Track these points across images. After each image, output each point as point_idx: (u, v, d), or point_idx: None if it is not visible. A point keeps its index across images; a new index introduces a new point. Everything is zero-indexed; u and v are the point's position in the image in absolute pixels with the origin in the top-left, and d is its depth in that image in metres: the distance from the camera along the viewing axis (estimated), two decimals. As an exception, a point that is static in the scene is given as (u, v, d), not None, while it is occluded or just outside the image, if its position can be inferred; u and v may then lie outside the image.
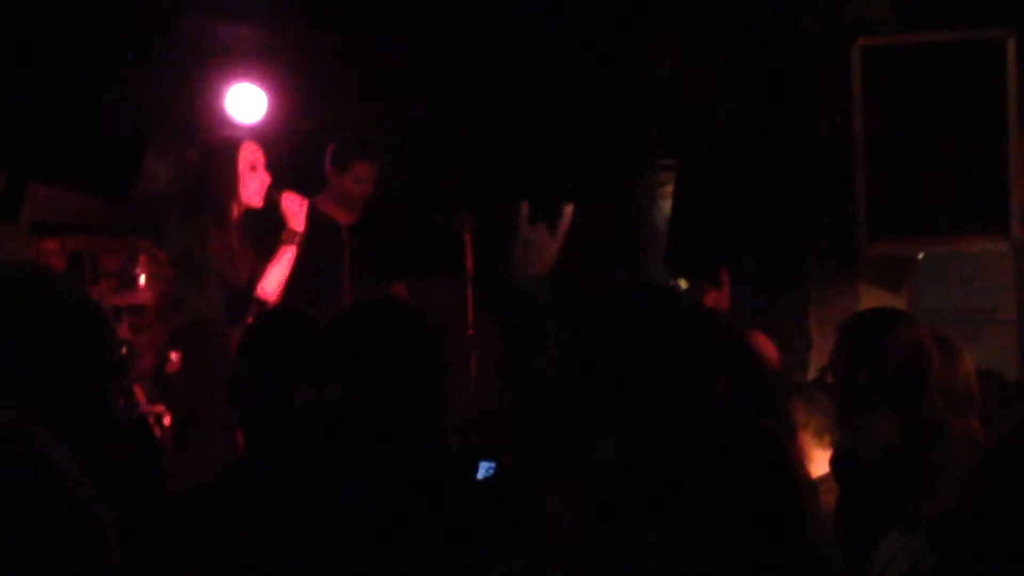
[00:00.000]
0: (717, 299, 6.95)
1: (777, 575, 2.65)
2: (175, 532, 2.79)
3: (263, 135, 8.15)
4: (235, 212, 6.80)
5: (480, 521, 2.52)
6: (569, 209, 3.82)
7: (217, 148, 6.91)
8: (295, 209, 6.95)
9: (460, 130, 8.55)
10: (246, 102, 8.16)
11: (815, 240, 8.18)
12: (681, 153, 8.36)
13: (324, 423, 2.01)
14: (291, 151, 8.15)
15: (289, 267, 6.95)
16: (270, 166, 7.01)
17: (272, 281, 6.90)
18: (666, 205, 8.47)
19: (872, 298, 8.03)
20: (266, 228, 6.94)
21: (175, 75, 8.03)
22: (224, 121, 8.14)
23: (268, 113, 8.16)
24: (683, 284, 7.11)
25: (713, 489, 2.51)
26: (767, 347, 5.40)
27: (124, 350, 7.90)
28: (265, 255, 6.90)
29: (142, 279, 8.54)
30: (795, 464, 2.80)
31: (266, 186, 6.87)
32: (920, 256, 8.40)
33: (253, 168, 6.86)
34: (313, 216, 7.43)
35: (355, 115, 8.25)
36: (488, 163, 8.51)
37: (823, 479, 5.08)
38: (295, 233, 6.94)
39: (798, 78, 8.18)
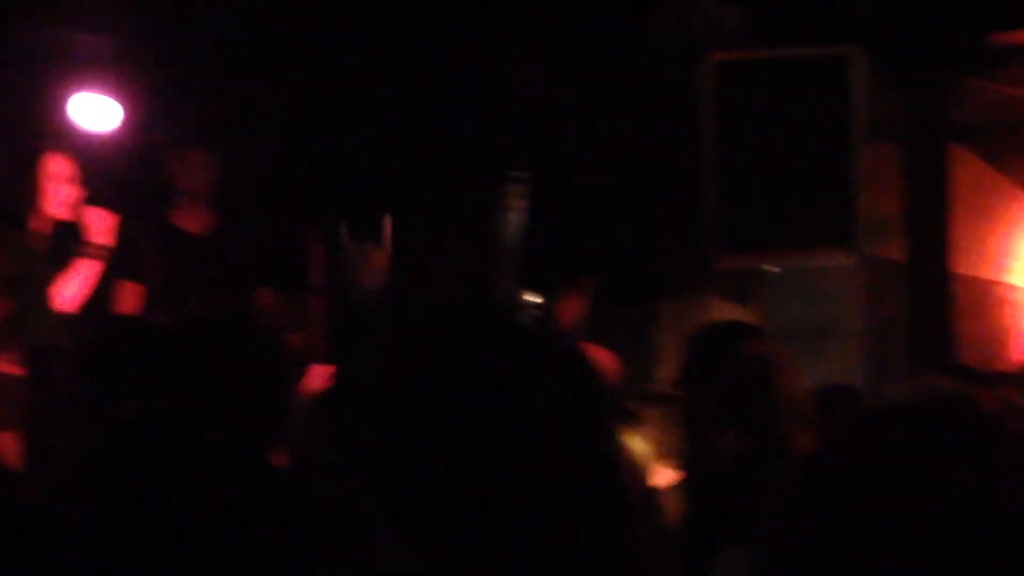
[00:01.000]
0: (574, 311, 6.96)
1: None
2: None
3: (109, 145, 8.06)
4: (33, 223, 6.70)
5: (306, 539, 2.49)
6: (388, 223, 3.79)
7: (21, 158, 6.84)
8: (98, 223, 6.87)
9: (311, 141, 8.48)
10: (92, 110, 8.06)
11: (667, 253, 8.23)
12: (533, 165, 8.36)
13: (140, 437, 1.98)
14: (140, 162, 8.06)
15: (91, 282, 6.87)
16: (105, 177, 6.93)
17: (65, 292, 6.80)
18: (518, 217, 8.46)
19: (722, 311, 8.09)
20: (66, 239, 6.87)
21: (17, 81, 7.91)
22: (70, 129, 8.03)
23: (117, 123, 8.06)
24: (535, 297, 7.11)
25: (531, 508, 2.48)
26: (606, 360, 5.41)
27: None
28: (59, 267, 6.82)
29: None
30: (622, 478, 2.78)
31: (74, 199, 6.78)
32: (771, 270, 8.48)
33: (55, 179, 6.77)
34: (167, 230, 7.37)
35: (204, 125, 8.17)
36: (339, 175, 8.46)
37: (671, 490, 5.11)
38: (93, 246, 6.86)
39: (651, 91, 8.22)
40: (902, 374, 8.93)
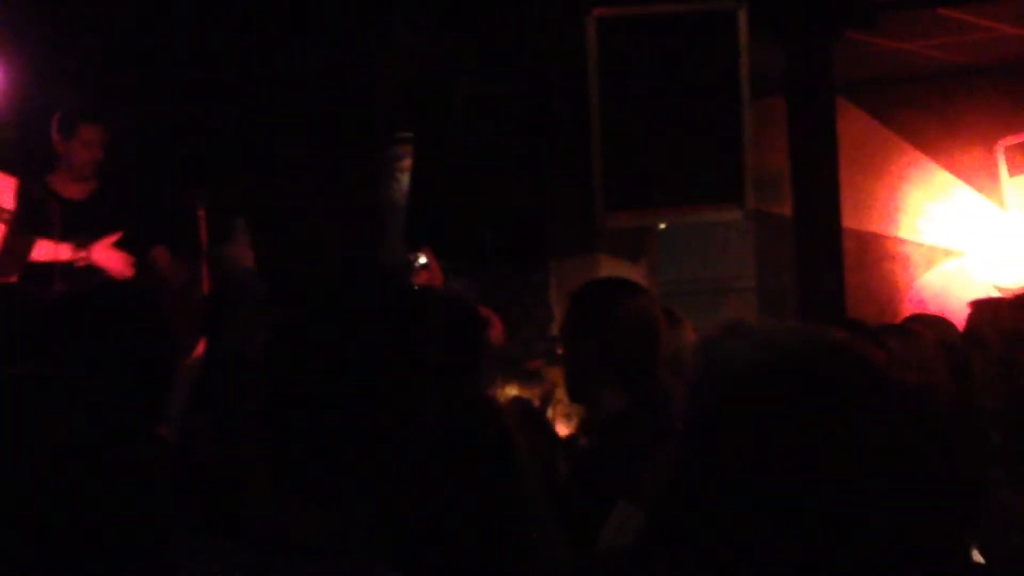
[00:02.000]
0: (428, 277, 6.93)
1: (492, 548, 2.63)
2: None
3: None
4: None
5: (189, 506, 2.45)
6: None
7: None
8: (1, 187, 6.80)
9: (197, 102, 8.38)
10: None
11: (554, 213, 8.21)
12: (418, 127, 8.31)
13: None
14: (16, 128, 7.93)
15: None
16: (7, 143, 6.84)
17: None
18: (404, 179, 8.42)
19: (612, 269, 8.10)
20: None
21: None
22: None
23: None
24: (423, 259, 7.06)
25: (423, 465, 2.47)
26: (493, 322, 5.39)
27: None
28: None
29: None
30: (511, 441, 2.78)
31: None
32: (660, 227, 8.49)
33: None
34: (43, 194, 7.25)
35: (84, 91, 8.05)
36: (225, 137, 8.37)
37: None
38: (2, 210, 6.79)
39: (534, 50, 8.18)
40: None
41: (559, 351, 4.85)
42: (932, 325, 5.83)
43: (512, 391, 5.80)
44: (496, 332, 5.24)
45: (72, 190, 7.54)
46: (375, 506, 2.29)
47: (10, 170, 6.94)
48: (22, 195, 7.03)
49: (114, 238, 7.23)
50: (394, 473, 2.30)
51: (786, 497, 1.67)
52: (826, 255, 8.78)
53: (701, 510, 1.75)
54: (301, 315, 2.33)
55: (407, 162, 8.43)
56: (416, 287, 3.90)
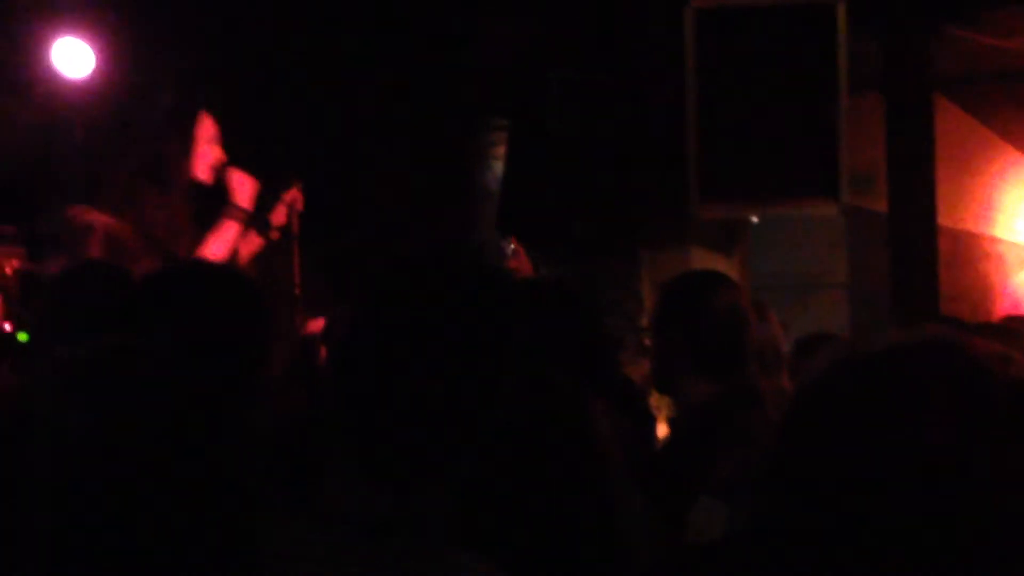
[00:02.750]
0: (517, 265, 6.93)
1: (579, 542, 2.63)
2: None
3: (91, 90, 8.02)
4: (185, 184, 6.67)
5: (267, 484, 2.47)
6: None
7: (176, 117, 6.77)
8: (242, 186, 6.83)
9: (289, 90, 8.44)
10: (72, 56, 8.01)
11: (647, 203, 8.19)
12: (513, 114, 8.32)
13: (78, 380, 1.96)
14: (118, 107, 8.01)
15: (231, 244, 6.83)
16: (98, 121, 6.89)
17: (211, 254, 6.77)
18: (498, 166, 8.44)
19: (704, 261, 8.08)
20: (209, 203, 6.83)
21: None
22: (51, 75, 7.99)
23: (95, 68, 8.02)
24: (514, 246, 7.07)
25: (508, 454, 2.48)
26: None
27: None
28: (205, 229, 6.77)
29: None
30: (597, 427, 2.77)
31: (218, 161, 6.75)
32: (753, 220, 8.45)
33: (209, 142, 6.74)
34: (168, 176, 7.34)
35: (185, 69, 8.11)
36: (317, 125, 8.41)
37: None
38: (238, 208, 6.81)
39: (632, 40, 8.17)
40: (885, 325, 8.91)
41: (648, 342, 4.85)
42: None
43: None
44: None
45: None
46: (450, 488, 2.30)
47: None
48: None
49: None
50: (470, 456, 2.31)
51: (902, 491, 1.65)
52: (921, 253, 8.71)
53: (810, 506, 1.73)
54: (382, 298, 2.35)
55: (501, 149, 8.45)
56: (503, 271, 3.90)
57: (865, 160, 8.95)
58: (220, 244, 6.77)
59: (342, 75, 8.41)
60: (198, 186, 6.75)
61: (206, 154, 6.73)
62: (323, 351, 5.69)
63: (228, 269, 3.72)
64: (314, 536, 2.25)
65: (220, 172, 6.77)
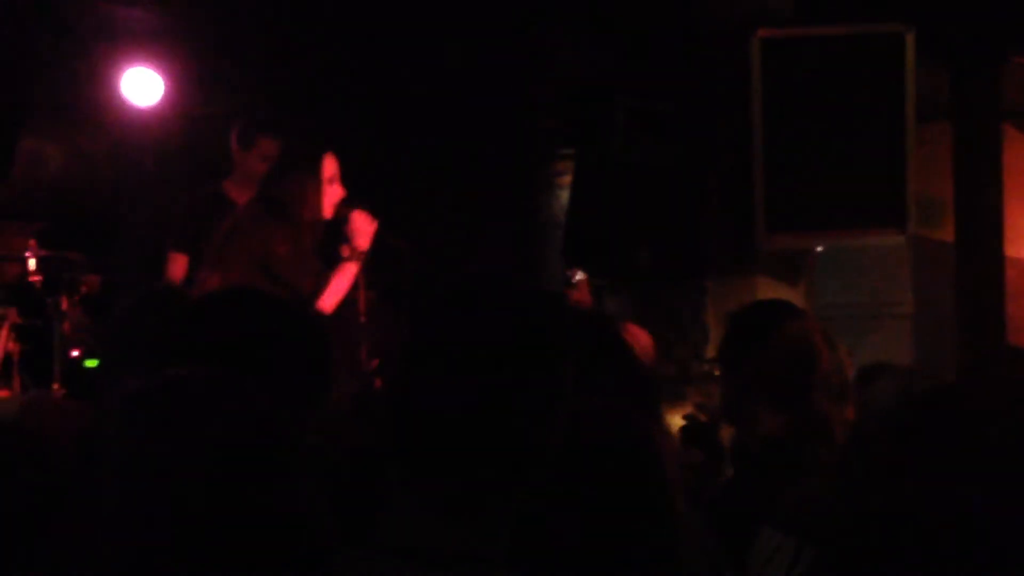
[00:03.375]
0: (578, 296, 6.93)
1: (642, 573, 2.62)
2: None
3: (159, 119, 8.09)
4: (308, 219, 6.75)
5: (333, 516, 2.48)
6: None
7: (303, 155, 6.86)
8: (364, 227, 6.91)
9: (357, 117, 8.48)
10: (142, 86, 8.09)
11: (713, 232, 8.17)
12: (579, 143, 8.32)
13: (156, 409, 1.98)
14: (186, 135, 8.09)
15: (350, 284, 6.91)
16: (164, 149, 6.96)
17: (333, 294, 6.85)
18: (564, 195, 8.44)
19: (769, 291, 8.04)
20: (329, 241, 6.91)
21: (67, 57, 7.94)
22: (119, 105, 8.07)
23: (163, 97, 8.10)
24: (579, 275, 7.08)
25: (566, 485, 2.48)
26: (641, 338, 5.37)
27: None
28: (326, 267, 6.85)
29: (32, 263, 8.36)
30: (658, 458, 2.77)
31: (338, 200, 6.84)
32: (818, 249, 8.42)
33: (331, 181, 6.83)
34: (219, 201, 7.39)
35: (251, 98, 8.18)
36: (385, 152, 8.45)
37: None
38: (359, 251, 6.89)
39: (698, 69, 8.17)
40: (951, 355, 8.87)
41: (716, 372, 4.83)
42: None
43: (681, 410, 5.80)
44: (644, 349, 5.22)
45: (245, 197, 7.66)
46: (510, 519, 2.30)
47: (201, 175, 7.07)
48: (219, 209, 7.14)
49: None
50: (532, 487, 2.31)
51: (971, 532, 1.64)
52: (988, 283, 8.67)
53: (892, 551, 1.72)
54: (437, 328, 2.35)
55: (567, 178, 8.45)
56: (562, 301, 3.90)
57: (932, 189, 8.91)
58: (342, 283, 6.87)
59: (411, 100, 8.45)
60: (321, 225, 6.84)
61: (329, 193, 6.82)
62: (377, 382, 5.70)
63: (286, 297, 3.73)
64: (377, 569, 2.26)
65: (340, 211, 6.86)
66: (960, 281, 8.74)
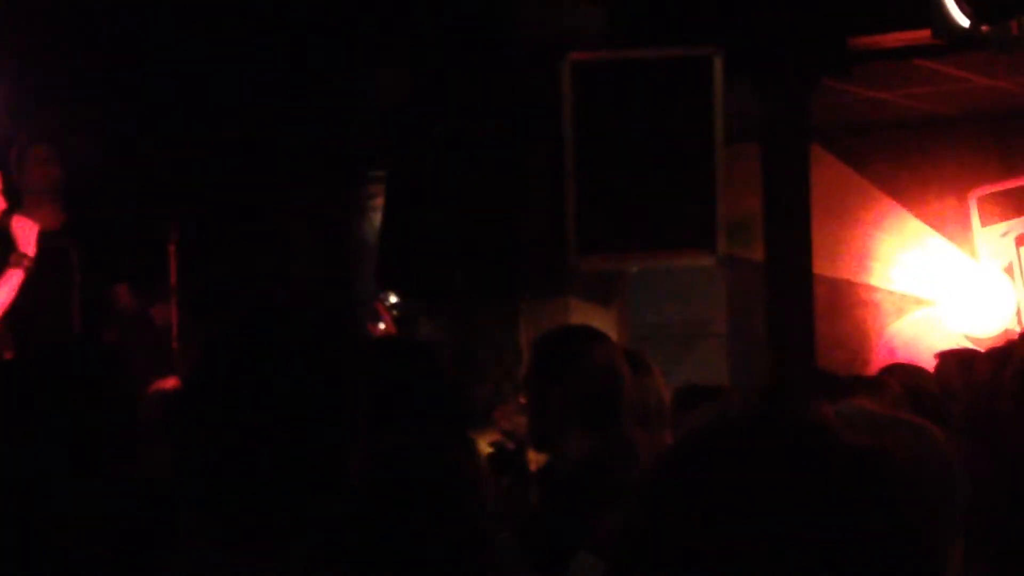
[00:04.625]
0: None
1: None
2: None
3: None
4: None
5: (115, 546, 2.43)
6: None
7: None
8: (25, 232, 6.80)
9: (168, 138, 8.36)
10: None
11: (526, 254, 8.19)
12: (391, 165, 8.30)
13: None
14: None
15: (15, 290, 6.81)
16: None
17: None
18: (376, 218, 8.40)
19: (583, 312, 8.09)
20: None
21: None
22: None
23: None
24: (392, 299, 7.05)
25: (378, 516, 2.46)
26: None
27: None
28: None
29: None
30: (470, 487, 2.76)
31: (1, 212, 6.73)
32: (632, 270, 8.49)
33: None
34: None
35: (57, 121, 8.02)
36: (195, 175, 8.35)
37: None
38: (23, 256, 6.79)
39: (511, 91, 8.19)
40: (765, 374, 8.97)
41: (522, 400, 4.83)
42: (909, 374, 5.83)
43: (489, 435, 5.79)
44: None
45: (44, 218, 7.54)
46: (306, 552, 2.27)
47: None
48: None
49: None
50: (327, 515, 2.28)
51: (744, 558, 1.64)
52: (797, 301, 8.78)
53: (655, 566, 1.72)
54: (229, 352, 2.31)
55: (379, 200, 8.42)
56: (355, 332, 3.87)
57: (743, 210, 9.02)
58: (6, 291, 6.81)
59: (219, 123, 8.35)
60: None
61: None
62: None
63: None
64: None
65: (3, 220, 6.79)
66: (770, 300, 8.84)
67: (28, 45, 8.07)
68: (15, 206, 7.41)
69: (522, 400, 4.73)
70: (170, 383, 6.17)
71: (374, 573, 2.56)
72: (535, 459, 5.78)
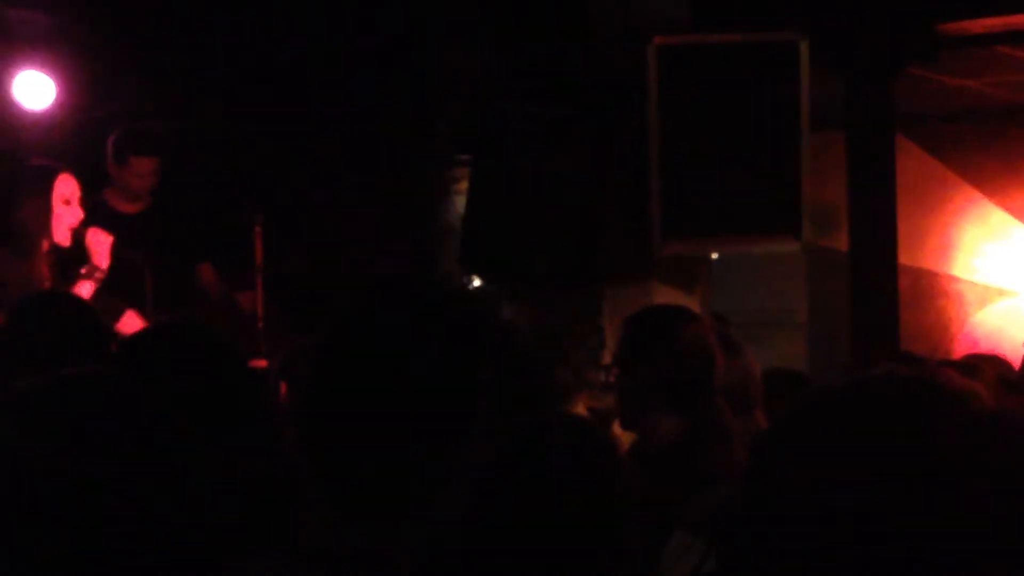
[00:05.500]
0: None
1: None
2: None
3: (51, 122, 7.98)
4: (44, 245, 6.65)
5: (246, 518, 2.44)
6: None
7: (31, 177, 6.75)
8: (99, 245, 6.83)
9: (255, 121, 8.42)
10: (33, 89, 7.97)
11: (610, 239, 8.17)
12: (476, 149, 8.31)
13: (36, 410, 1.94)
14: (79, 140, 7.99)
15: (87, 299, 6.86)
16: (57, 154, 6.86)
17: None
18: (461, 202, 8.42)
19: (665, 297, 8.05)
20: (69, 260, 6.86)
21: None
22: (10, 109, 7.95)
23: (55, 100, 7.98)
24: (476, 282, 7.07)
25: (488, 489, 2.45)
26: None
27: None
28: (62, 287, 6.78)
29: None
30: (621, 466, 2.74)
31: (77, 222, 6.74)
32: (714, 257, 8.46)
33: (67, 202, 6.72)
34: (101, 209, 7.30)
35: (145, 103, 8.09)
36: (282, 157, 8.40)
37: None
38: (96, 268, 6.82)
39: (595, 76, 8.17)
40: (845, 363, 8.93)
41: (611, 379, 4.82)
42: (991, 363, 5.78)
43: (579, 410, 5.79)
44: None
45: (127, 206, 7.59)
46: (422, 523, 2.27)
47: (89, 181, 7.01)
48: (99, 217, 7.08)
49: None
50: (446, 489, 2.28)
51: (870, 531, 1.63)
52: (881, 291, 8.74)
53: (776, 544, 1.71)
54: (350, 328, 2.31)
55: (464, 184, 8.44)
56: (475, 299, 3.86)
57: (826, 198, 8.98)
58: None
59: (307, 107, 8.40)
60: (59, 249, 6.75)
61: (63, 216, 6.72)
62: (282, 385, 5.66)
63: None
64: (284, 568, 2.22)
65: (79, 233, 6.78)
66: (854, 289, 8.80)
67: (117, 26, 8.15)
68: (102, 184, 7.49)
69: (611, 380, 4.71)
70: (259, 365, 6.20)
71: (490, 547, 2.55)
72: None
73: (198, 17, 8.34)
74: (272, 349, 7.10)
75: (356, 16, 8.36)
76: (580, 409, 5.93)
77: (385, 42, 8.41)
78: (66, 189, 6.71)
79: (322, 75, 8.41)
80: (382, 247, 8.42)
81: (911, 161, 10.23)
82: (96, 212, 7.40)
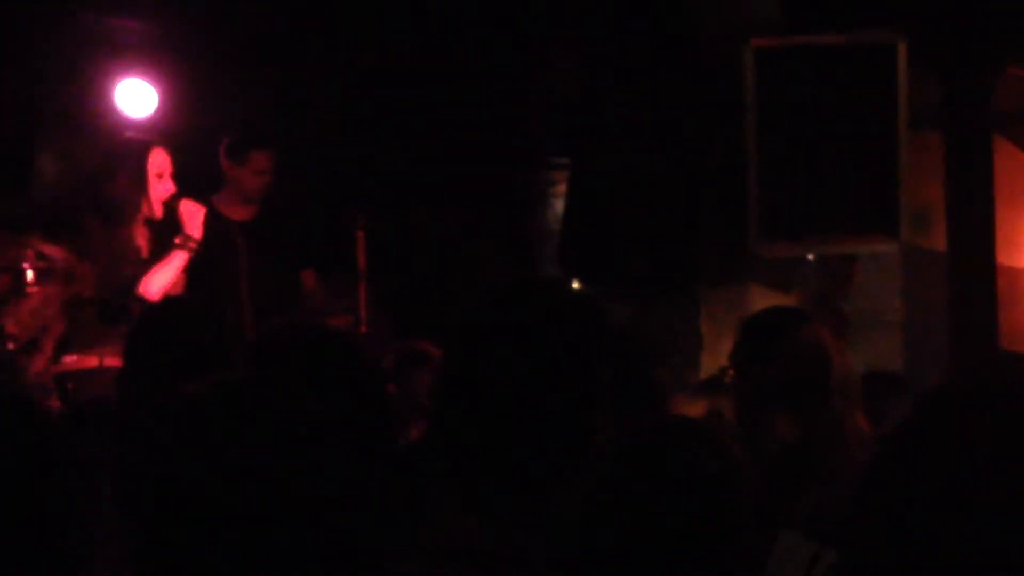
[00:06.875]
0: None
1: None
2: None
3: (154, 131, 8.07)
4: (138, 218, 6.76)
5: (378, 518, 2.48)
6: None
7: (126, 151, 6.85)
8: (192, 215, 6.91)
9: (354, 127, 8.47)
10: (136, 97, 8.07)
11: (707, 240, 8.18)
12: (574, 152, 8.33)
13: (219, 412, 1.98)
14: (183, 147, 8.07)
15: (178, 272, 6.92)
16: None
17: (157, 281, 6.86)
18: (559, 205, 8.45)
19: (763, 298, 8.05)
20: (163, 232, 6.94)
21: (63, 70, 7.92)
22: (114, 116, 8.05)
23: (158, 108, 8.08)
24: (575, 284, 7.09)
25: (608, 489, 2.46)
26: None
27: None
28: (157, 257, 6.87)
29: (29, 275, 8.29)
30: (740, 468, 2.75)
31: (170, 195, 6.83)
32: (810, 257, 8.43)
33: (160, 175, 6.82)
34: (209, 216, 7.36)
35: (247, 111, 8.16)
36: (382, 161, 8.45)
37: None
38: (190, 238, 6.89)
39: (692, 78, 8.18)
40: (942, 364, 8.88)
41: (726, 380, 4.84)
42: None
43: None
44: None
45: (237, 212, 7.61)
46: (551, 526, 2.29)
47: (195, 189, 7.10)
48: (208, 224, 7.18)
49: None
50: (573, 489, 2.29)
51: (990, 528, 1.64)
52: (980, 291, 8.68)
53: (899, 544, 1.72)
54: (479, 332, 2.33)
55: (562, 187, 8.46)
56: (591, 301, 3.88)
57: (923, 198, 8.92)
58: (167, 272, 6.90)
59: (406, 112, 8.45)
60: (152, 220, 6.85)
61: (156, 188, 6.81)
62: (390, 387, 5.70)
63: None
64: (417, 569, 2.25)
65: (172, 204, 6.88)
66: (952, 289, 8.75)
67: (218, 34, 8.23)
68: (211, 190, 7.55)
69: (726, 380, 4.73)
70: None
71: (623, 553, 2.57)
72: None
73: (299, 25, 8.40)
74: (376, 354, 7.14)
75: (455, 20, 8.40)
76: (699, 409, 5.93)
77: (484, 46, 8.45)
78: (159, 162, 6.82)
79: (422, 80, 8.46)
80: (482, 251, 8.45)
81: (1010, 161, 10.13)
82: (206, 218, 7.46)
